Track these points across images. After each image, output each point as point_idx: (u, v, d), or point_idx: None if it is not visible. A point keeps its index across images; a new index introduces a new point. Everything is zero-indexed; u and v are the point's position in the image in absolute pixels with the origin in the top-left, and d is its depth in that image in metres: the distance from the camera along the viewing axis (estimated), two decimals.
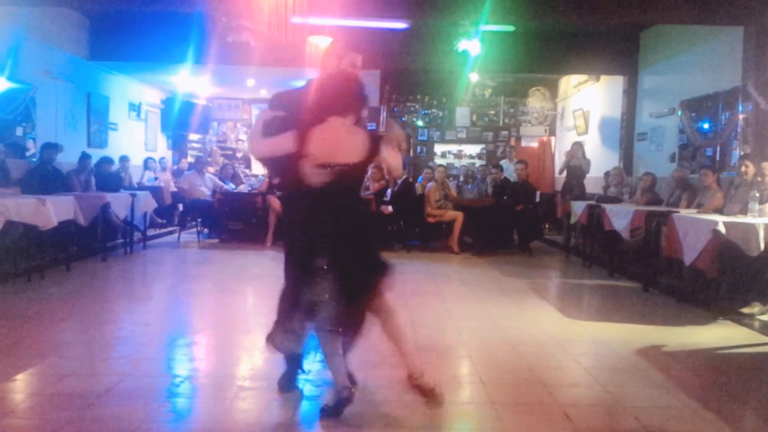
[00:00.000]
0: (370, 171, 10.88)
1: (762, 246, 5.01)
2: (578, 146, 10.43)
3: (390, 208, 9.54)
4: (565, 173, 10.35)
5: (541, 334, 4.73)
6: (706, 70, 8.10)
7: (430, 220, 9.50)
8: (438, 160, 13.82)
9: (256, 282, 6.95)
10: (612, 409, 3.24)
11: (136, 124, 12.21)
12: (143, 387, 3.40)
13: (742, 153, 7.01)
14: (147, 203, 9.08)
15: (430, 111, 14.43)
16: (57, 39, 8.99)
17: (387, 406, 3.20)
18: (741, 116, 7.12)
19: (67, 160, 8.75)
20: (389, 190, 9.84)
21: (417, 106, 14.42)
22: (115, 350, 4.12)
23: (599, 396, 3.43)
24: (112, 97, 10.98)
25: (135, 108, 12.10)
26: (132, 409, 3.06)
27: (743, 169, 6.17)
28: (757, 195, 5.55)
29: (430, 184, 9.80)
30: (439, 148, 14.54)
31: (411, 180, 10.35)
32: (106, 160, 9.23)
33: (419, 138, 14.35)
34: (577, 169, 10.16)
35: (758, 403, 3.54)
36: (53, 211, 6.36)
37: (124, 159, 10.49)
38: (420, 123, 14.35)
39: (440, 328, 4.88)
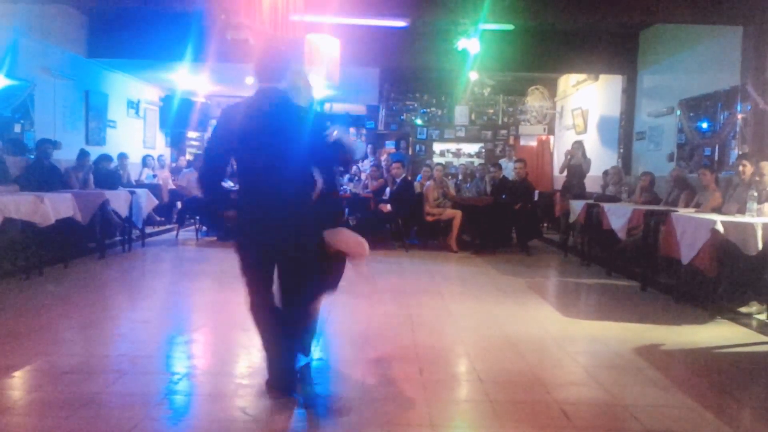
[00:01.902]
0: (369, 169, 10.89)
1: (760, 245, 5.01)
2: (579, 145, 10.44)
3: (389, 207, 9.54)
4: (565, 173, 10.36)
5: (539, 333, 4.73)
6: (704, 69, 8.11)
7: (429, 218, 9.51)
8: (437, 159, 13.82)
9: None
10: (610, 408, 3.24)
11: (134, 122, 12.20)
12: (142, 384, 3.40)
13: (740, 152, 7.01)
14: (149, 202, 9.09)
15: (429, 109, 14.42)
16: (55, 36, 8.98)
17: (385, 404, 3.20)
18: (739, 116, 7.13)
19: (65, 157, 8.74)
20: (388, 189, 9.84)
21: (416, 105, 14.41)
22: (113, 348, 4.12)
23: (597, 395, 3.44)
24: (110, 95, 10.97)
25: (134, 105, 12.10)
26: (130, 407, 3.06)
27: (741, 168, 6.18)
28: (755, 194, 5.55)
29: (428, 183, 9.80)
30: (437, 147, 14.53)
31: (409, 178, 10.35)
32: (105, 158, 9.22)
33: (418, 136, 14.35)
34: (577, 168, 10.17)
35: (756, 402, 3.55)
36: (51, 208, 6.36)
37: (122, 156, 10.48)
38: (419, 121, 14.34)
39: (439, 327, 4.89)
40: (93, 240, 7.97)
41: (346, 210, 9.62)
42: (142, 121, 12.56)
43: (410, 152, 13.91)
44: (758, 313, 5.27)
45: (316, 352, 4.04)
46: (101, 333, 4.51)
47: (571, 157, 10.28)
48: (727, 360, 4.33)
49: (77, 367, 3.62)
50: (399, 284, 6.60)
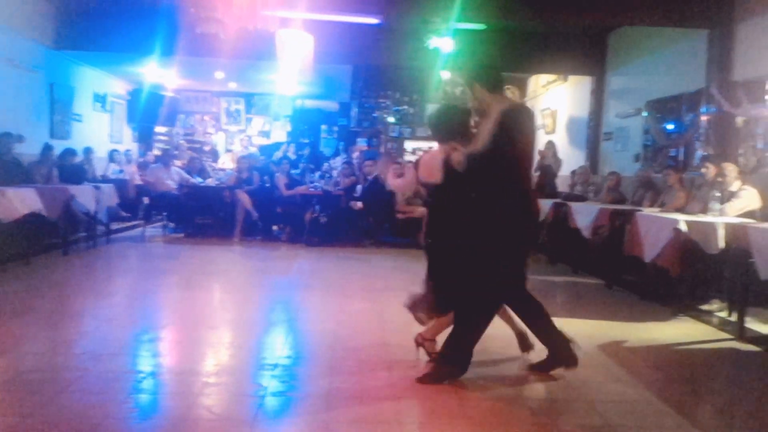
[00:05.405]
0: (341, 166, 10.85)
1: (721, 244, 5.12)
2: (550, 146, 10.57)
3: (360, 204, 9.53)
4: (537, 173, 10.47)
5: (506, 330, 4.75)
6: (671, 71, 8.26)
7: (400, 216, 9.49)
8: (408, 157, 13.84)
9: (222, 277, 6.89)
10: (575, 404, 3.29)
11: (101, 116, 11.97)
12: (106, 383, 3.34)
13: (704, 154, 7.17)
14: (110, 198, 8.91)
15: (401, 107, 14.43)
16: (21, 26, 8.73)
17: (353, 401, 3.20)
18: (704, 118, 7.29)
19: (29, 151, 8.52)
20: (359, 186, 9.83)
21: (388, 103, 14.40)
22: (76, 346, 4.04)
23: (562, 390, 3.48)
24: (76, 88, 10.72)
25: (100, 99, 11.86)
26: (94, 405, 3.00)
27: (704, 169, 6.32)
28: (718, 195, 5.69)
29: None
30: (409, 145, 14.56)
31: (382, 176, 10.34)
32: (70, 152, 9.01)
33: (390, 134, 14.35)
34: (548, 168, 10.29)
35: (716, 397, 3.64)
36: (15, 202, 6.20)
37: (88, 151, 10.26)
38: (391, 119, 14.34)
39: (408, 324, 4.88)
40: (56, 236, 7.79)
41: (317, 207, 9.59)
42: (109, 115, 12.33)
43: (382, 150, 13.90)
44: (719, 311, 5.40)
45: (284, 349, 4.01)
46: (64, 331, 4.41)
47: (543, 157, 10.39)
48: (689, 356, 4.43)
49: (38, 365, 3.54)
50: (369, 281, 6.60)
